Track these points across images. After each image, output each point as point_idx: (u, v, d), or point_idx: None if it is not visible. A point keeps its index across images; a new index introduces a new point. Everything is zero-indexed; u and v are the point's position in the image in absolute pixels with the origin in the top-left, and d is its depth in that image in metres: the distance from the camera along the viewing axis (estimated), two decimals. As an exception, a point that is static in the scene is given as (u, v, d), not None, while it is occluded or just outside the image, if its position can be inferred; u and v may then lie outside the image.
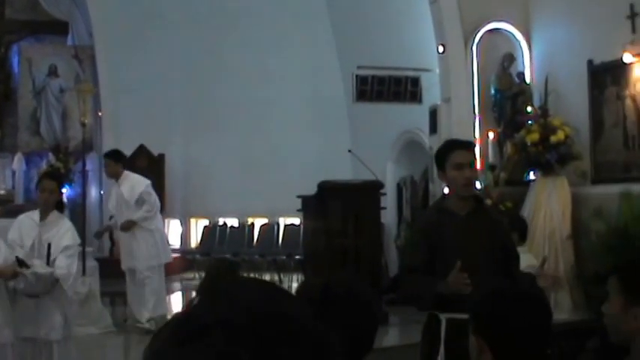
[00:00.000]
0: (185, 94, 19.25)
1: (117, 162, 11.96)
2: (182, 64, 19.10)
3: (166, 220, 19.48)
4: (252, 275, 16.89)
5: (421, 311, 5.33)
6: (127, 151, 17.96)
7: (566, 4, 12.43)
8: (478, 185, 12.16)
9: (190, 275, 17.94)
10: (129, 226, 11.44)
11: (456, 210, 5.14)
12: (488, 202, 11.54)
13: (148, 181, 12.00)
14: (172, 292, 16.77)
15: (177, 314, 1.23)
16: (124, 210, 11.63)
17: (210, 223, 19.60)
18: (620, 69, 11.20)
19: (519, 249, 7.40)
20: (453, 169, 5.06)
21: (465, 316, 4.49)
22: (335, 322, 2.05)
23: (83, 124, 16.37)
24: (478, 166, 12.19)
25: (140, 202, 11.59)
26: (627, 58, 10.95)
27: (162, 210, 18.87)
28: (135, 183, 11.80)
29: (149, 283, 11.39)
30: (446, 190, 5.69)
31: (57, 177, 9.15)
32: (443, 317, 4.91)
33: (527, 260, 7.54)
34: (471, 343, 3.07)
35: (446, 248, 4.98)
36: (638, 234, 9.92)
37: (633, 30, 10.93)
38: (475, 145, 5.38)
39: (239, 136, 19.13)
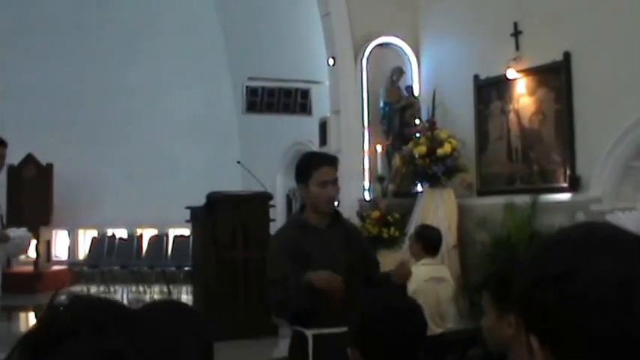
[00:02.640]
0: (76, 103, 18.96)
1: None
2: (72, 73, 18.82)
3: (54, 232, 19.18)
4: (140, 288, 16.74)
5: (293, 311, 5.17)
6: (15, 160, 17.63)
7: (453, 20, 12.67)
8: (367, 196, 12.35)
9: (78, 288, 17.63)
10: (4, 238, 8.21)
11: (315, 223, 5.06)
12: (377, 213, 11.71)
13: None
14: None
15: (28, 330, 1.26)
16: None
17: (98, 234, 19.30)
18: (504, 84, 11.48)
19: (425, 260, 7.49)
20: (317, 185, 4.96)
21: (330, 330, 4.52)
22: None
23: (-33, 133, 15.89)
24: (365, 179, 12.44)
25: None
26: (511, 74, 11.23)
27: (49, 221, 18.64)
28: None
29: None
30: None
31: None
32: (309, 334, 4.82)
33: (429, 272, 7.57)
34: (350, 356, 3.14)
35: (308, 262, 4.87)
36: (521, 244, 10.16)
37: (517, 47, 11.21)
38: (338, 160, 5.26)
39: (129, 146, 18.95)
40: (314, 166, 5.04)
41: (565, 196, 10.50)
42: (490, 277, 3.50)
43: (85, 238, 19.83)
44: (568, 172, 10.49)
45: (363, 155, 12.59)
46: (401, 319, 3.11)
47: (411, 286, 6.17)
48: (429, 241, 7.67)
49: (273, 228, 12.72)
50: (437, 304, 7.53)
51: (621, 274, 1.35)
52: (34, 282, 17.10)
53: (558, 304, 1.37)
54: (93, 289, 17.38)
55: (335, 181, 5.03)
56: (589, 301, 1.35)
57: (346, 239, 5.11)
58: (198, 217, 11.54)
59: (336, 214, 5.20)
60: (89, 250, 18.94)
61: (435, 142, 11.67)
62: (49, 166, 18.70)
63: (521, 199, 10.72)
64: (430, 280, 7.42)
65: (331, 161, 5.16)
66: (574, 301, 1.36)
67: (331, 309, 4.61)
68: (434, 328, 7.34)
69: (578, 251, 1.40)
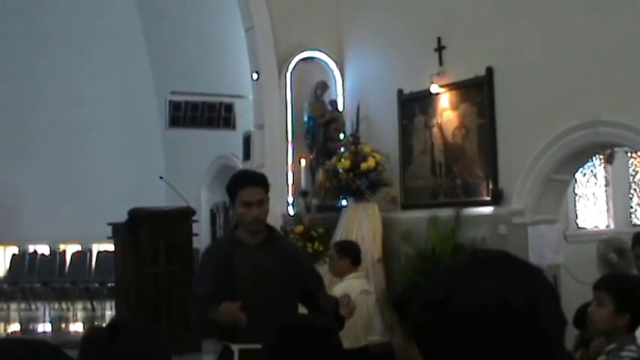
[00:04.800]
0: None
1: None
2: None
3: (-29, 248, 18.78)
4: (63, 305, 16.45)
5: (207, 339, 5.23)
6: None
7: (377, 35, 12.72)
8: (291, 211, 12.30)
9: (-2, 306, 17.31)
10: None
11: (247, 240, 5.06)
12: (301, 227, 11.68)
13: None
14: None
15: None
16: None
17: (19, 250, 18.96)
18: (427, 99, 11.56)
19: (354, 274, 7.51)
20: (241, 205, 4.97)
21: (256, 345, 4.49)
22: None
23: None
24: (289, 193, 12.40)
25: None
26: (434, 88, 11.31)
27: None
28: None
29: None
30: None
31: None
32: (235, 348, 4.82)
33: (360, 286, 7.61)
34: None
35: (238, 278, 4.90)
36: (445, 256, 10.23)
37: (440, 62, 11.30)
38: (266, 179, 5.23)
39: (51, 160, 18.65)
40: (239, 187, 5.06)
41: (488, 210, 10.61)
42: (397, 297, 3.50)
43: (5, 254, 19.44)
44: (491, 186, 10.61)
45: (287, 170, 12.56)
46: (316, 339, 3.09)
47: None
48: (353, 254, 7.73)
49: (197, 243, 12.65)
50: (367, 316, 7.59)
51: (495, 303, 1.39)
52: (-49, 300, 16.73)
53: (436, 327, 1.43)
54: (13, 307, 17.06)
55: (260, 202, 5.01)
56: (463, 326, 1.39)
57: (280, 257, 5.10)
58: (120, 233, 11.43)
59: (271, 232, 5.19)
60: (9, 267, 18.60)
61: (358, 157, 11.69)
62: (-36, 181, 18.35)
63: (445, 213, 10.81)
64: (363, 293, 7.49)
65: (257, 182, 5.14)
66: (449, 326, 1.41)
67: (257, 324, 4.55)
68: (363, 341, 7.41)
69: (459, 277, 1.46)
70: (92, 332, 2.69)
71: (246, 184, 5.07)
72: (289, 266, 5.08)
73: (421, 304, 1.46)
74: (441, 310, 1.41)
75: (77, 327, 15.25)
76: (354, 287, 7.33)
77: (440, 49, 11.30)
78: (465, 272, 1.46)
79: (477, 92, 10.87)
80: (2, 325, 15.87)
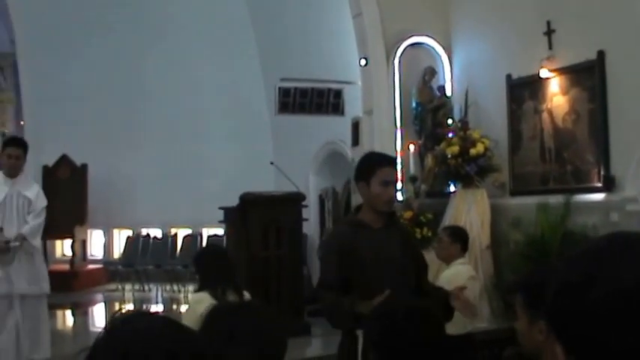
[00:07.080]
0: (109, 104, 19.08)
1: (26, 154, 9.11)
2: (106, 74, 18.94)
3: (89, 231, 19.35)
4: (175, 287, 16.81)
5: (336, 329, 5.22)
6: (49, 161, 17.83)
7: (485, 19, 12.62)
8: (400, 196, 12.32)
9: (113, 287, 17.78)
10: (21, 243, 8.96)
11: (370, 223, 5.07)
12: (410, 213, 11.69)
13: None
14: (95, 304, 16.64)
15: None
16: (20, 217, 9.03)
17: (133, 233, 19.45)
18: (537, 84, 11.42)
19: (461, 260, 7.54)
20: (379, 184, 4.98)
21: None
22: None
23: (3, 134, 16.12)
24: (400, 179, 12.42)
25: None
26: (544, 73, 11.17)
27: (84, 221, 18.81)
28: (38, 186, 9.47)
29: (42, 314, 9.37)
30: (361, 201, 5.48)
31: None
32: (359, 333, 4.69)
33: (468, 271, 7.63)
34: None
35: (362, 262, 4.91)
36: (554, 244, 10.12)
37: (550, 46, 11.15)
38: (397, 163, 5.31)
39: (163, 146, 19.04)
40: (377, 165, 5.08)
41: (599, 196, 10.43)
42: (523, 281, 3.48)
43: (120, 237, 19.98)
44: (602, 172, 10.42)
45: (396, 155, 12.53)
46: (421, 321, 3.13)
47: (460, 284, 6.25)
48: (464, 240, 7.76)
49: (306, 228, 12.78)
50: (474, 302, 7.60)
51: (638, 288, 1.33)
52: (70, 280, 17.28)
53: (577, 313, 1.37)
54: (127, 288, 17.51)
55: (395, 183, 5.08)
56: (607, 312, 1.34)
57: (401, 241, 5.15)
58: (231, 217, 11.59)
59: (392, 215, 5.23)
60: (124, 250, 19.10)
61: (467, 142, 11.63)
62: (84, 167, 18.87)
63: (555, 199, 10.67)
64: (470, 279, 7.50)
65: (393, 162, 5.25)
66: (592, 311, 1.35)
67: None
68: (468, 327, 7.41)
69: (599, 260, 1.39)
70: (216, 308, 2.80)
71: (386, 164, 5.12)
72: (408, 250, 5.13)
73: (557, 290, 1.42)
74: (580, 296, 1.37)
75: (188, 308, 15.57)
76: (462, 273, 7.35)
77: (549, 32, 11.15)
78: (604, 255, 1.40)
79: (588, 76, 10.68)
80: (117, 304, 16.33)
